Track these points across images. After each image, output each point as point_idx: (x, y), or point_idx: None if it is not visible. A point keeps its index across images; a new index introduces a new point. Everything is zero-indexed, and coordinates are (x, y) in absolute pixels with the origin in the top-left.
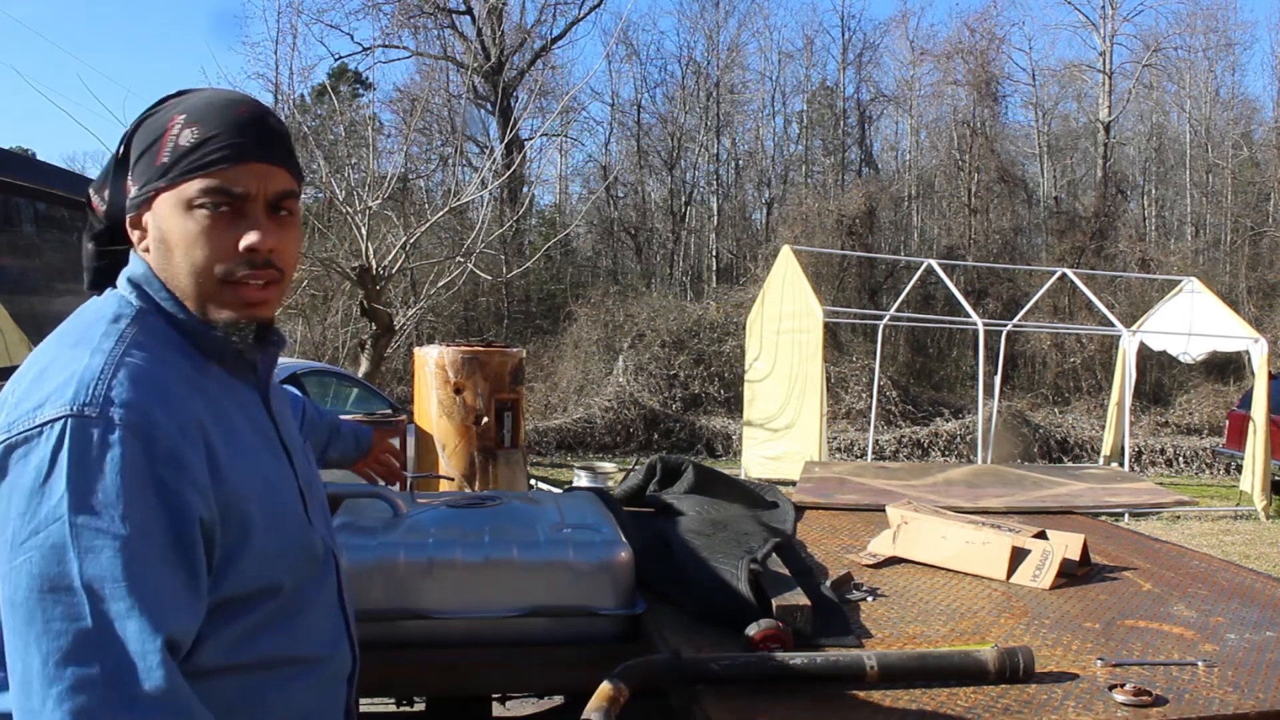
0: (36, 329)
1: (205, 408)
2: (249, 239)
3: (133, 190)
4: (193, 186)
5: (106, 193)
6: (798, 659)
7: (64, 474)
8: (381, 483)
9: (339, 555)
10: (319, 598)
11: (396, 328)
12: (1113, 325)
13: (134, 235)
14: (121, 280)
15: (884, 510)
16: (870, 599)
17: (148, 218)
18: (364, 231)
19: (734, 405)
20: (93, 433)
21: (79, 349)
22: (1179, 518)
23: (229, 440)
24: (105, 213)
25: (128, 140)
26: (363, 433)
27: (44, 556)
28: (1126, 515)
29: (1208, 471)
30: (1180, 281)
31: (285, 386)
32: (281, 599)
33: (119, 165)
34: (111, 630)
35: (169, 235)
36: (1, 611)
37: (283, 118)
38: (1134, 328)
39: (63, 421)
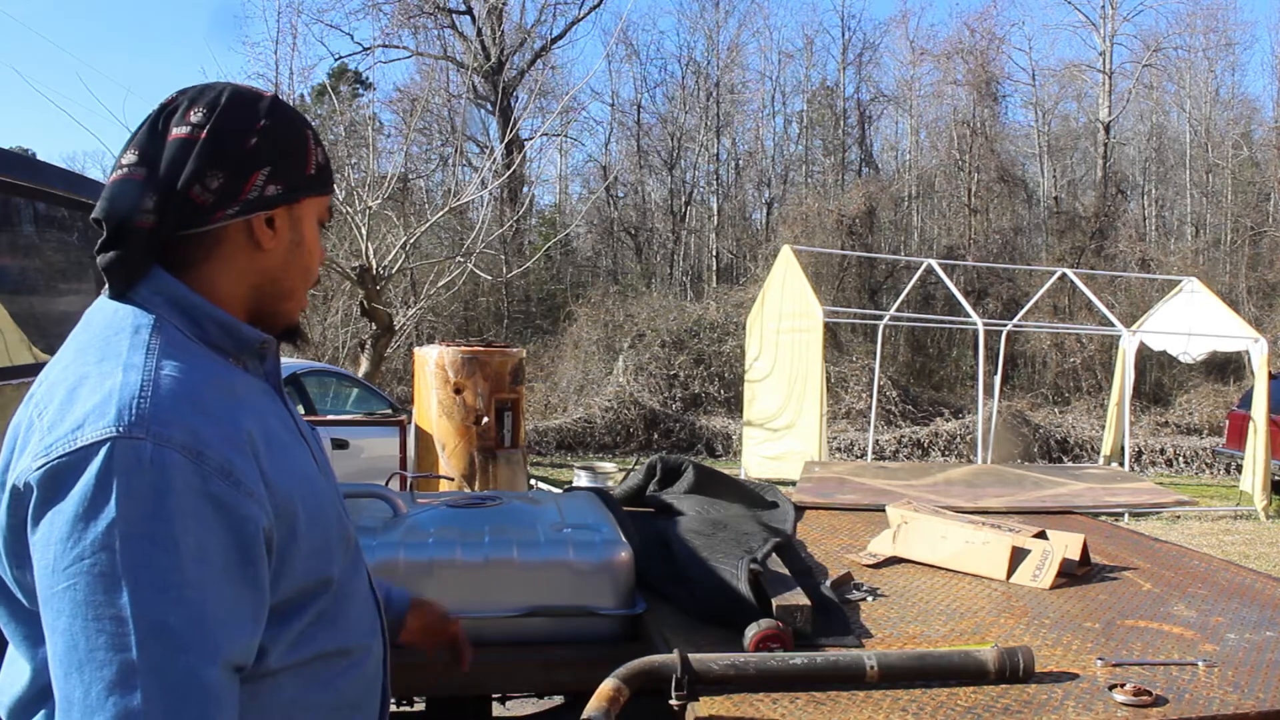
0: (37, 329)
1: (243, 410)
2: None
3: (269, 188)
4: (324, 204)
5: (216, 183)
6: (798, 659)
7: (112, 499)
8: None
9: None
10: (357, 586)
11: (396, 328)
12: (1113, 325)
13: (262, 230)
14: (144, 293)
15: (884, 510)
16: (870, 599)
17: (288, 217)
18: (364, 231)
19: (734, 405)
20: (140, 454)
21: (107, 364)
22: (1179, 518)
23: (267, 439)
24: (205, 203)
25: (235, 134)
26: (394, 596)
27: (89, 584)
28: (1126, 515)
29: (1208, 471)
30: (1180, 281)
31: None
32: (331, 592)
33: (211, 154)
34: (159, 661)
35: (308, 238)
36: (46, 636)
37: None
38: (1134, 328)
39: (107, 444)
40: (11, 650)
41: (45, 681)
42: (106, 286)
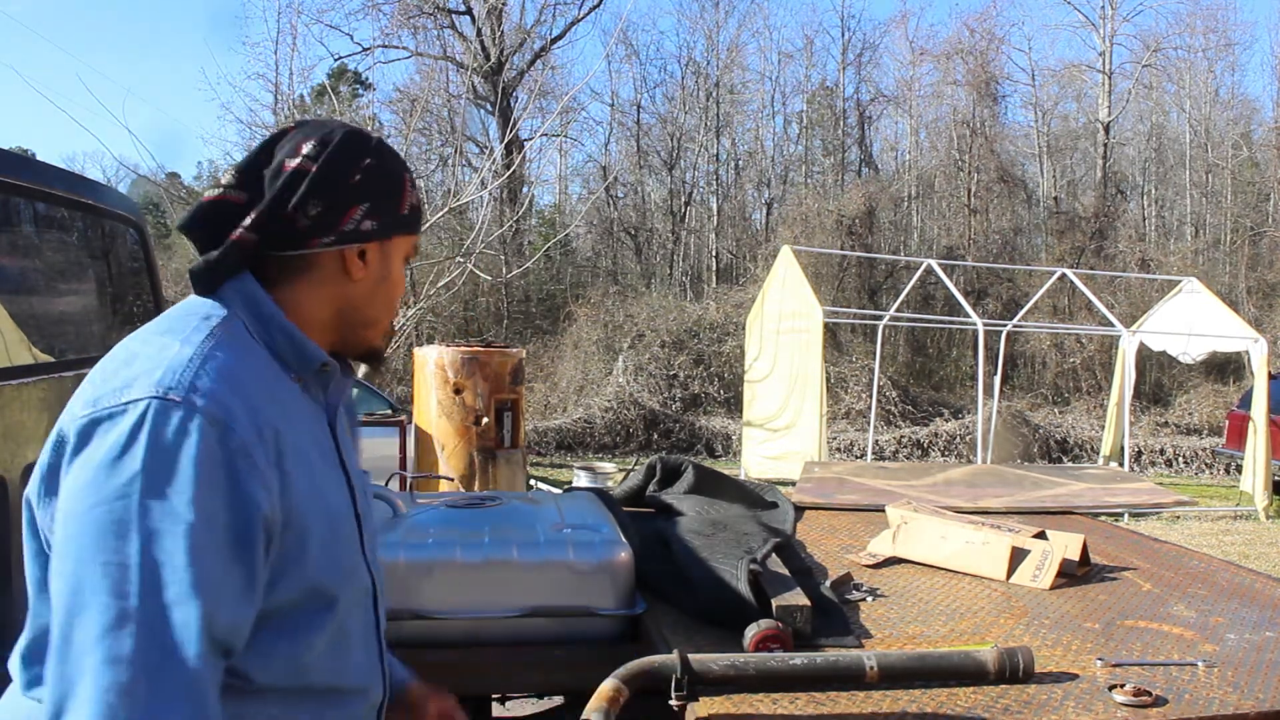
0: (37, 329)
1: (279, 414)
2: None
3: (365, 223)
4: (412, 242)
5: (315, 211)
6: (798, 659)
7: (140, 453)
8: None
9: (381, 588)
10: (362, 628)
11: (396, 328)
12: (1112, 325)
13: (353, 261)
14: (227, 292)
15: (884, 510)
16: (870, 599)
17: (379, 252)
18: None
19: (734, 405)
20: (173, 416)
21: (168, 337)
22: (1179, 518)
23: (296, 451)
24: (303, 229)
25: (341, 169)
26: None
27: (103, 530)
28: (1126, 515)
29: (1208, 471)
30: (1180, 282)
31: None
32: (333, 622)
33: (317, 185)
34: (157, 613)
35: (394, 273)
36: (51, 577)
37: (283, 118)
38: (1134, 328)
39: (146, 402)
40: (32, 597)
41: (43, 635)
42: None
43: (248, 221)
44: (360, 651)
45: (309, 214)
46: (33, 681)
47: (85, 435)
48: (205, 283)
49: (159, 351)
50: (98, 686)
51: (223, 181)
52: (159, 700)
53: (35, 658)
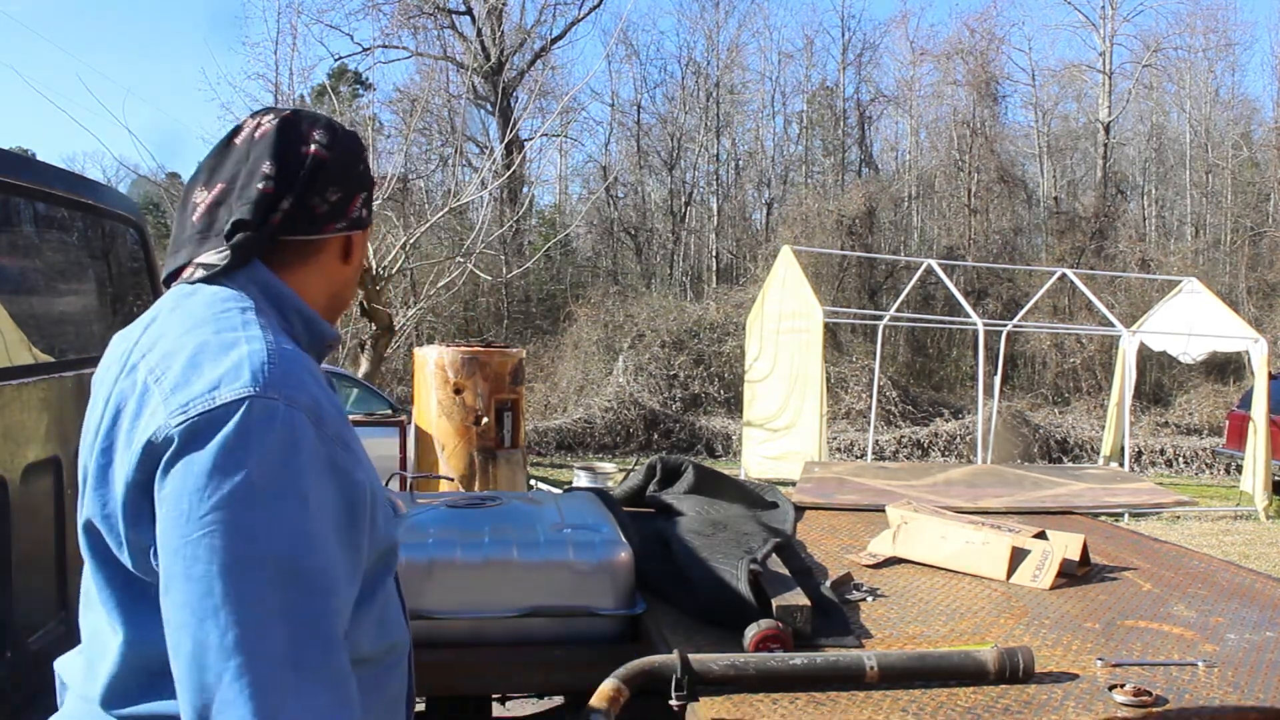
0: (37, 329)
1: (334, 395)
2: None
3: (363, 211)
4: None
5: (335, 197)
6: (798, 659)
7: (250, 452)
8: None
9: None
10: (392, 584)
11: (396, 328)
12: (1113, 325)
13: (356, 245)
14: (241, 280)
15: (884, 510)
16: (870, 599)
17: (362, 238)
18: None
19: (734, 405)
20: (275, 413)
21: (226, 335)
22: (1179, 518)
23: (350, 424)
24: (320, 214)
25: (351, 157)
26: None
27: (227, 532)
28: (1126, 515)
29: (1208, 471)
30: (1180, 282)
31: None
32: (390, 579)
33: (336, 172)
34: (291, 607)
35: (361, 255)
36: (167, 586)
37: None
38: (1134, 328)
39: (246, 402)
40: (98, 624)
41: (138, 661)
42: (190, 275)
43: (285, 206)
44: (398, 605)
45: (329, 200)
46: None
47: (184, 440)
48: (238, 262)
49: (227, 349)
50: (247, 685)
51: (266, 172)
52: (308, 690)
53: (131, 688)
